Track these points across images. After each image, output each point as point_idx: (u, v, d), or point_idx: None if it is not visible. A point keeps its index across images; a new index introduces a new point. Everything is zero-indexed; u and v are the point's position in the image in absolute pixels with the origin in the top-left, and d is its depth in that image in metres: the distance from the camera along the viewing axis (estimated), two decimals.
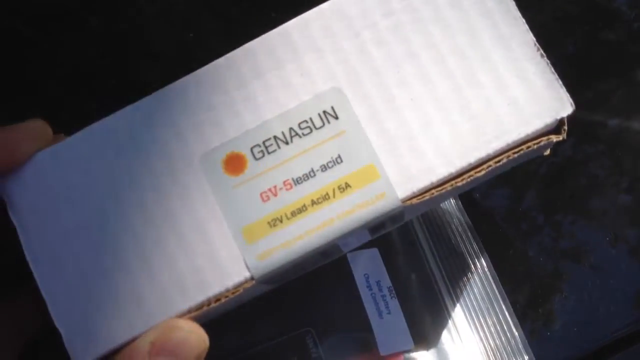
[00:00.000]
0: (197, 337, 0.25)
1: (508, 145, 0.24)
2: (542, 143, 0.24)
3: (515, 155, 0.24)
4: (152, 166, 0.25)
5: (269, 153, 0.25)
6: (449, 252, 0.36)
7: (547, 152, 0.28)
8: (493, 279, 0.35)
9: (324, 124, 0.25)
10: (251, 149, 0.25)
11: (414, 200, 0.24)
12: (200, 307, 0.24)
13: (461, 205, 0.37)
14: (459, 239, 0.36)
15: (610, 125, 0.41)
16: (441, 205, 0.37)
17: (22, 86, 0.45)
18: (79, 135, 0.26)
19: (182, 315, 0.25)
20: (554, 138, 0.24)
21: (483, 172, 0.24)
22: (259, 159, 0.25)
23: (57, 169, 0.26)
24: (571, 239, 0.38)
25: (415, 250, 0.35)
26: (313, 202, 0.24)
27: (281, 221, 0.24)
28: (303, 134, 0.25)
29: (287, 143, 0.25)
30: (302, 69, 0.26)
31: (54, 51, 0.46)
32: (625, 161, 0.40)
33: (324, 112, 0.25)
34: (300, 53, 0.26)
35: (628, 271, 0.37)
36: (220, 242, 0.25)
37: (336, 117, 0.25)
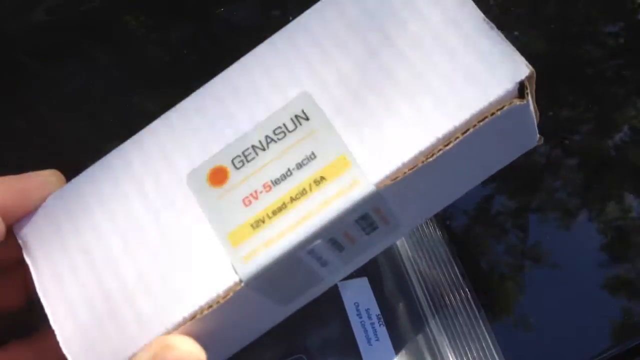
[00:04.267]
0: (191, 356, 0.24)
1: (472, 115, 0.24)
2: (505, 108, 0.24)
3: (481, 124, 0.24)
4: (145, 192, 0.27)
5: (248, 161, 0.26)
6: (435, 281, 0.36)
7: (540, 140, 0.28)
8: (477, 307, 0.35)
9: (296, 127, 0.26)
10: (232, 160, 0.26)
11: (388, 182, 0.24)
12: (193, 316, 0.25)
13: (447, 237, 0.37)
14: (444, 269, 0.36)
15: (580, 137, 0.42)
16: (427, 237, 0.38)
17: (24, 115, 0.47)
18: (81, 175, 0.28)
19: (178, 327, 0.25)
20: (517, 102, 0.24)
21: (451, 145, 0.24)
22: (240, 168, 0.26)
23: (63, 209, 0.28)
24: (550, 255, 0.38)
25: (402, 279, 0.36)
26: (292, 199, 0.25)
27: (263, 222, 0.25)
28: (278, 139, 0.26)
29: (264, 149, 0.26)
30: (272, 81, 0.27)
31: (55, 82, 0.48)
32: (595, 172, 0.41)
33: (296, 116, 0.26)
34: (273, 69, 0.27)
35: (606, 301, 0.37)
36: (209, 251, 0.25)
37: (307, 119, 0.26)
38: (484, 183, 0.34)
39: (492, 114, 0.24)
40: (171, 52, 0.49)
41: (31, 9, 0.52)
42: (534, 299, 0.37)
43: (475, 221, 0.40)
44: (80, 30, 0.51)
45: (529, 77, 0.24)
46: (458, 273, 0.36)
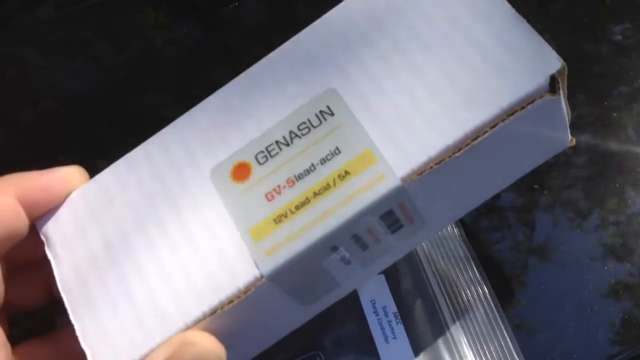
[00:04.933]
0: (211, 353, 0.24)
1: (502, 109, 0.24)
2: (535, 102, 0.24)
3: (511, 118, 0.24)
4: (168, 188, 0.27)
5: (271, 157, 0.26)
6: (452, 279, 0.36)
7: (572, 141, 0.27)
8: (495, 305, 0.35)
9: (321, 122, 0.25)
10: (255, 156, 0.26)
11: (414, 177, 0.24)
12: (214, 311, 0.24)
13: (464, 235, 0.37)
14: (461, 267, 0.36)
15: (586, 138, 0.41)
16: (445, 234, 0.37)
17: (30, 110, 0.47)
18: (104, 172, 0.28)
19: (198, 322, 0.25)
20: (548, 96, 0.24)
21: (480, 140, 0.24)
22: (263, 163, 0.26)
23: (86, 205, 0.28)
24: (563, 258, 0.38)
25: (419, 277, 0.35)
26: (315, 194, 0.24)
27: (286, 216, 0.24)
28: (302, 134, 0.26)
29: (288, 145, 0.26)
30: (297, 77, 0.27)
31: (61, 77, 0.48)
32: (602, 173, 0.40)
33: (321, 111, 0.26)
34: (298, 65, 0.27)
35: (621, 286, 0.36)
36: (231, 246, 0.25)
37: (332, 114, 0.25)
38: None
39: (522, 107, 0.24)
40: (179, 50, 0.49)
41: (39, 4, 0.52)
42: (538, 297, 0.37)
43: (482, 217, 0.40)
44: (87, 25, 0.51)
45: (560, 71, 0.24)
46: (476, 271, 0.36)
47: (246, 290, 0.24)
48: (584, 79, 0.43)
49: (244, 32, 0.48)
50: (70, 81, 0.48)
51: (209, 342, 0.25)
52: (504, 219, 0.39)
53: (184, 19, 0.51)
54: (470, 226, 0.39)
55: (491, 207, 0.39)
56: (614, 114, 0.42)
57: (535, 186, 0.40)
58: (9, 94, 0.47)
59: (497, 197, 0.39)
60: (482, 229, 0.39)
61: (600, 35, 0.45)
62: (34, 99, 0.47)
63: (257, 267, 0.24)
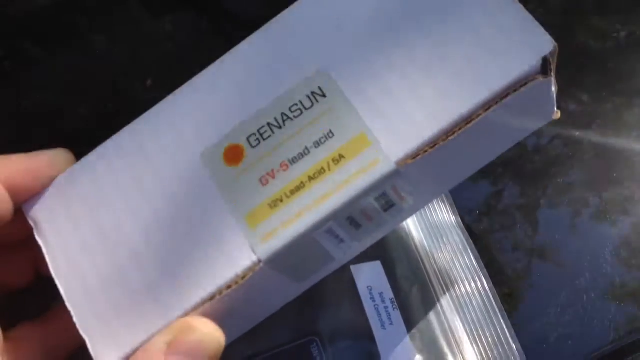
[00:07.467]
0: (212, 338, 0.24)
1: (495, 92, 0.24)
2: (529, 85, 0.24)
3: (504, 101, 0.24)
4: (159, 171, 0.26)
5: (264, 140, 0.25)
6: (449, 266, 0.36)
7: (557, 114, 0.27)
8: (492, 293, 0.35)
9: (313, 104, 0.25)
10: (247, 139, 0.26)
11: (409, 161, 0.24)
12: (212, 297, 0.24)
13: (461, 223, 0.37)
14: (458, 254, 0.36)
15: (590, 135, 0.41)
16: (441, 221, 0.37)
17: (28, 99, 0.47)
18: (91, 155, 0.28)
19: (197, 308, 0.25)
20: (541, 78, 0.24)
21: (473, 123, 0.24)
22: (256, 146, 0.25)
23: (74, 189, 0.27)
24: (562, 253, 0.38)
25: (416, 263, 0.35)
26: (310, 178, 0.24)
27: (281, 201, 0.24)
28: (294, 117, 0.25)
29: (280, 127, 0.25)
30: (290, 60, 0.26)
31: (59, 66, 0.48)
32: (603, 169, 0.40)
33: (312, 93, 0.25)
34: (287, 45, 0.27)
35: (620, 281, 0.36)
36: (227, 232, 0.25)
37: (324, 96, 0.25)
38: (495, 177, 0.34)
39: (515, 90, 0.24)
40: (176, 41, 0.49)
41: None
42: (537, 286, 0.37)
43: (484, 215, 0.40)
44: (84, 14, 0.51)
45: (552, 52, 0.24)
46: (473, 258, 0.36)
47: (244, 275, 0.24)
48: (587, 76, 0.43)
49: (245, 23, 0.48)
50: (67, 71, 0.48)
51: (208, 327, 0.25)
52: (508, 217, 0.39)
53: (183, 10, 0.50)
54: (473, 224, 0.39)
55: (495, 206, 0.39)
56: (618, 111, 0.42)
57: (539, 184, 0.40)
58: (6, 84, 0.47)
59: (500, 195, 0.39)
60: (485, 227, 0.39)
61: (603, 32, 0.45)
62: (31, 89, 0.47)
63: (255, 253, 0.24)
